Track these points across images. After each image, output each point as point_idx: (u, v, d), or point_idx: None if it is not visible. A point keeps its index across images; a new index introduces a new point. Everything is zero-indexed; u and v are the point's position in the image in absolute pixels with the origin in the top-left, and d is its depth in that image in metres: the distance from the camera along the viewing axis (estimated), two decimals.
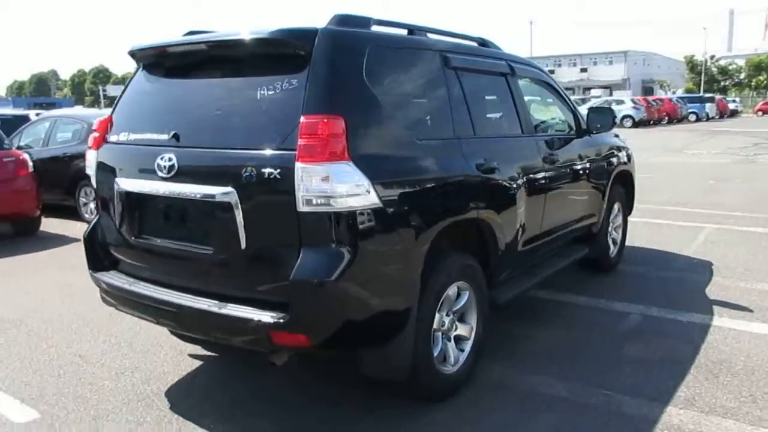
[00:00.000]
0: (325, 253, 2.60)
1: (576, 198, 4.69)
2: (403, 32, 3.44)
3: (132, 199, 3.14)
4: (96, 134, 3.38)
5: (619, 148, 5.54)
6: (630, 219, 6.11)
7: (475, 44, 4.07)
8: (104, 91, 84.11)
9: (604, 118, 4.86)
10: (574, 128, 4.86)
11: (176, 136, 2.94)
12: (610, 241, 5.57)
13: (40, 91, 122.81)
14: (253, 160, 2.67)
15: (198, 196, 2.84)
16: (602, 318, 4.49)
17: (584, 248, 5.03)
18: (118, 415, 3.23)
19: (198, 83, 3.15)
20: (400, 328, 2.89)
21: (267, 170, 2.63)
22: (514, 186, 3.71)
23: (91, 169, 3.39)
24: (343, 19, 2.97)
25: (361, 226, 2.62)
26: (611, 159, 5.25)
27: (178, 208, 2.99)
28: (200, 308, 2.82)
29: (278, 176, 2.59)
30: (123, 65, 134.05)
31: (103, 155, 3.31)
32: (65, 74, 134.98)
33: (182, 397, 3.43)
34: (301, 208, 2.56)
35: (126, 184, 3.15)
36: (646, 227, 7.44)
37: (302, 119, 2.56)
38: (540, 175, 4.06)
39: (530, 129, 4.11)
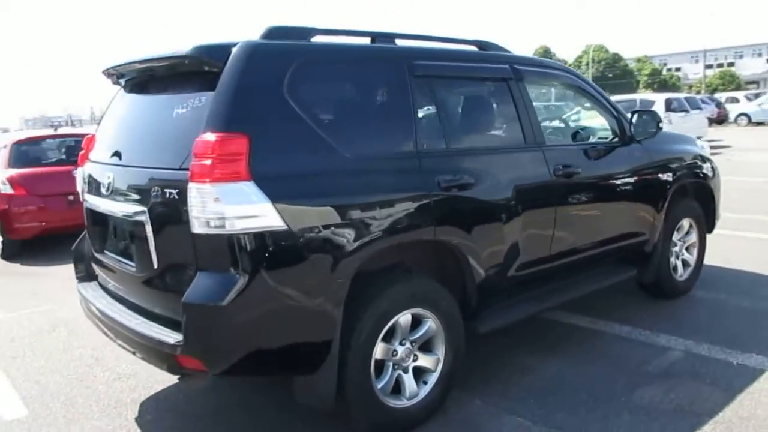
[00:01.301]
0: (218, 277, 2.51)
1: (610, 215, 4.14)
2: (366, 40, 3.25)
3: (92, 215, 3.28)
4: (83, 152, 3.58)
5: (687, 158, 4.81)
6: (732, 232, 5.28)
7: (473, 48, 3.75)
8: None
9: (647, 123, 4.24)
10: (619, 135, 4.30)
11: (118, 154, 3.03)
12: (678, 263, 4.87)
13: None
14: (160, 180, 2.66)
15: (121, 214, 2.90)
16: (635, 352, 3.92)
17: (630, 270, 4.43)
18: (88, 421, 3.38)
19: (138, 101, 3.22)
20: (318, 358, 2.71)
21: (169, 190, 2.60)
22: (501, 205, 3.35)
23: (78, 185, 3.60)
24: (274, 32, 2.87)
25: (258, 251, 2.49)
26: (670, 170, 4.56)
27: (115, 225, 3.07)
28: (128, 326, 2.86)
29: (177, 196, 2.56)
30: None
31: (85, 172, 3.50)
32: None
33: (154, 407, 3.51)
34: (195, 229, 2.49)
35: (90, 200, 3.30)
36: (750, 243, 6.43)
37: (197, 138, 2.50)
38: (548, 192, 3.63)
39: (538, 139, 3.68)
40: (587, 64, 70.43)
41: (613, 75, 76.14)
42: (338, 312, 2.70)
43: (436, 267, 3.32)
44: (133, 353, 2.90)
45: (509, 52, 3.89)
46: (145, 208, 2.71)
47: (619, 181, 4.16)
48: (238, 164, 2.47)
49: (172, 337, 2.60)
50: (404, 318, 3.02)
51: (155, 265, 2.74)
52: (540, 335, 4.29)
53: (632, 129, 4.24)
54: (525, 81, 3.75)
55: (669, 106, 16.20)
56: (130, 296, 3.07)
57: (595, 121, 4.67)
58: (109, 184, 2.98)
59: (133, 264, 2.91)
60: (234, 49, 2.67)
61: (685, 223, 4.87)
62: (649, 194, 4.39)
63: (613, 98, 17.13)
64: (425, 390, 3.16)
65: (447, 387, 3.24)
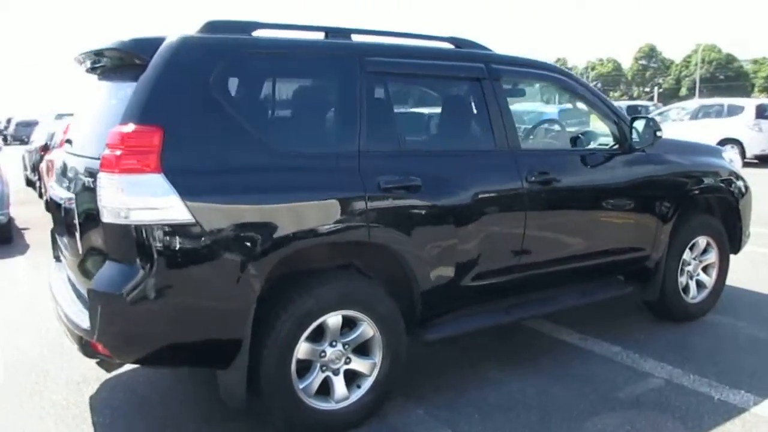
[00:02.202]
0: (121, 267, 2.55)
1: (599, 227, 3.86)
2: (320, 35, 3.19)
3: (51, 199, 3.44)
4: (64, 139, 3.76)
5: (706, 172, 4.42)
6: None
7: (448, 46, 3.59)
8: None
9: (643, 130, 3.91)
10: (619, 143, 4.01)
11: (70, 142, 3.15)
12: (690, 284, 4.48)
13: None
14: (85, 169, 2.76)
15: (61, 199, 3.01)
16: (612, 376, 3.65)
17: (624, 287, 4.13)
18: (51, 394, 3.54)
19: (96, 91, 3.31)
20: (229, 354, 2.71)
21: (89, 179, 2.68)
22: (453, 210, 3.20)
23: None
24: (211, 26, 2.87)
25: (161, 243, 2.51)
26: (681, 183, 4.20)
27: (61, 210, 3.19)
28: (62, 307, 2.97)
29: (92, 186, 2.63)
30: None
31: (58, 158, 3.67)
32: None
33: (113, 385, 3.63)
34: (104, 218, 2.55)
35: (51, 184, 3.46)
36: None
37: (111, 129, 2.55)
38: (516, 199, 3.44)
39: (512, 143, 3.48)
40: (696, 65, 66.46)
41: (725, 77, 71.46)
42: (248, 311, 2.68)
43: (386, 271, 3.23)
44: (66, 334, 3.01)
45: (489, 50, 3.70)
46: (73, 195, 2.81)
47: (611, 192, 3.88)
48: (148, 156, 2.50)
49: (87, 321, 2.68)
50: (333, 319, 2.95)
51: (80, 251, 2.83)
52: (521, 348, 4.10)
53: (630, 136, 3.94)
54: (502, 81, 3.57)
55: (762, 112, 14.94)
56: (72, 279, 3.19)
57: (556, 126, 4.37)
58: (60, 170, 3.11)
59: (69, 248, 3.03)
60: (163, 44, 2.70)
61: (701, 241, 4.47)
62: (651, 208, 4.06)
63: (699, 102, 16.12)
64: (357, 394, 3.09)
65: (383, 393, 3.15)
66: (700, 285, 4.56)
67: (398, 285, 3.21)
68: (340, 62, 3.06)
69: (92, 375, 3.75)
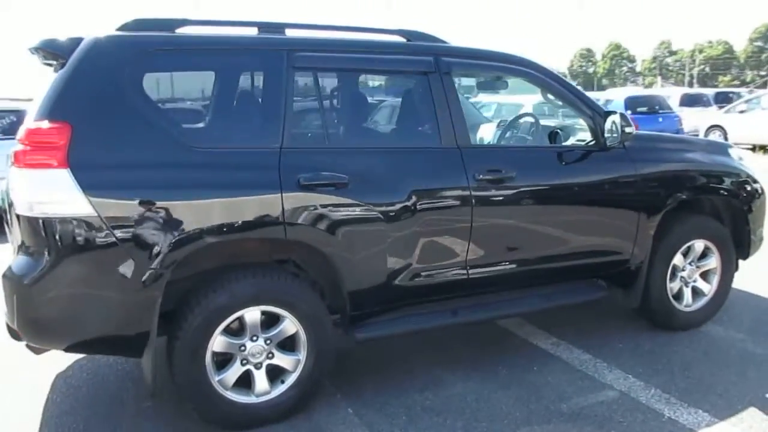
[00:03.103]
0: (30, 257, 2.69)
1: (562, 228, 3.64)
2: (253, 30, 3.20)
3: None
4: None
5: (706, 170, 4.07)
6: None
7: (400, 39, 3.49)
8: None
9: (611, 127, 3.63)
10: (596, 138, 3.77)
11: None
12: (685, 291, 4.16)
13: None
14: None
15: (1, 191, 3.19)
16: (566, 385, 3.47)
17: (597, 292, 3.89)
18: (19, 373, 3.78)
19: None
20: (139, 344, 2.80)
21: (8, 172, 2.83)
22: (384, 208, 3.13)
23: None
24: (132, 24, 2.95)
25: (64, 236, 2.62)
26: (669, 182, 3.89)
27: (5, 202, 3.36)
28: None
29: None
30: None
31: None
32: None
33: (59, 388, 3.61)
34: (17, 210, 2.69)
35: None
36: None
37: (25, 125, 2.69)
38: (459, 198, 3.31)
39: (460, 140, 3.35)
40: None
41: None
42: (153, 304, 2.75)
43: (315, 269, 3.22)
44: None
45: (444, 43, 3.57)
46: (5, 188, 2.99)
47: (579, 191, 3.66)
48: (55, 152, 2.61)
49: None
50: (251, 315, 2.98)
51: (10, 241, 3.01)
52: (485, 350, 3.97)
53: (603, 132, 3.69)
54: (453, 74, 3.44)
55: None
56: None
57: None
58: (5, 161, 3.30)
59: (11, 239, 3.22)
60: (82, 43, 2.80)
61: (698, 245, 4.13)
62: (629, 209, 3.79)
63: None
64: (280, 389, 3.11)
65: (308, 390, 3.16)
66: (697, 292, 4.23)
67: (328, 283, 3.20)
68: (265, 57, 3.06)
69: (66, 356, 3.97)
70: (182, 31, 3.04)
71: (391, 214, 3.16)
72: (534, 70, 3.73)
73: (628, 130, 3.61)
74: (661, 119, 12.96)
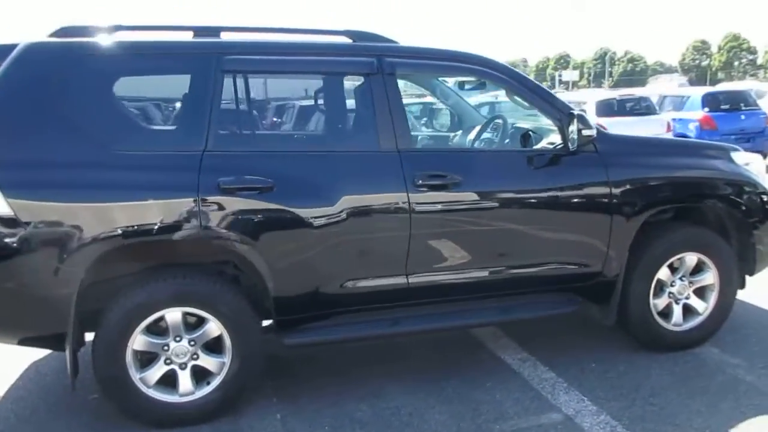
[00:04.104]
0: None
1: (519, 236, 3.42)
2: (189, 34, 3.22)
3: None
4: None
5: (697, 177, 3.69)
6: None
7: (346, 40, 3.41)
8: (559, 76, 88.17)
9: (571, 129, 3.35)
10: (564, 141, 3.51)
11: None
12: (675, 308, 3.79)
13: None
14: None
15: None
16: (512, 404, 3.26)
17: (566, 305, 3.62)
18: None
19: None
20: (60, 342, 2.91)
21: None
22: (312, 213, 3.06)
23: None
24: (61, 31, 3.06)
25: None
26: (649, 190, 3.55)
27: None
28: None
29: None
30: (582, 52, 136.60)
31: None
32: (533, 61, 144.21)
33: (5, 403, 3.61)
34: None
35: None
36: None
37: None
38: (396, 203, 3.19)
39: (401, 143, 3.22)
40: None
41: None
42: (68, 302, 2.83)
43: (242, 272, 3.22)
44: None
45: (392, 43, 3.44)
46: None
47: (535, 197, 3.42)
48: None
49: None
50: (172, 315, 3.02)
51: None
52: (446, 360, 3.82)
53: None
54: (398, 75, 3.32)
55: None
56: None
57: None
58: None
59: None
60: (17, 49, 2.94)
61: (690, 258, 3.75)
62: (599, 217, 3.50)
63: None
64: (204, 391, 3.13)
65: (233, 392, 3.16)
66: (689, 311, 3.85)
67: (260, 287, 3.18)
68: (193, 61, 3.09)
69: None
70: (116, 36, 3.13)
71: (319, 220, 3.09)
72: (493, 69, 3.52)
73: (585, 132, 3.33)
74: (743, 117, 11.90)
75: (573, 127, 3.34)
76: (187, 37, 3.25)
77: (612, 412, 3.15)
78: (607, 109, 11.34)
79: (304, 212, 3.07)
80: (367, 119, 3.27)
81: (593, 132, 3.33)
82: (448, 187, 3.26)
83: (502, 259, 3.44)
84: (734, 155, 3.88)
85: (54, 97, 2.88)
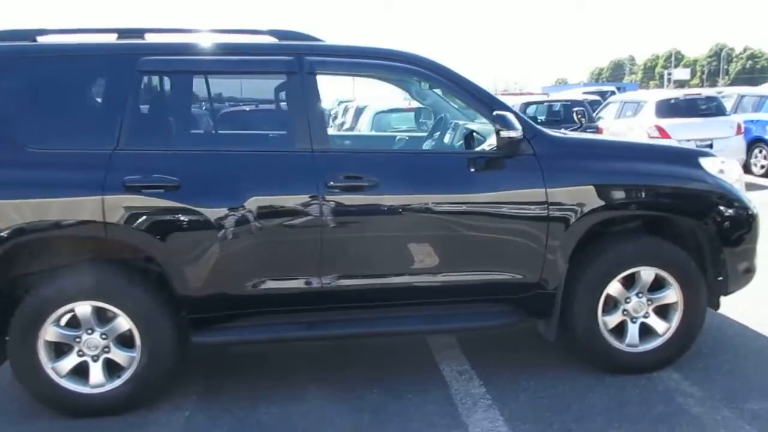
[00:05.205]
0: None
1: (439, 242, 3.25)
2: (113, 36, 3.31)
3: None
4: None
5: (655, 184, 3.36)
6: None
7: (271, 39, 3.37)
8: (669, 74, 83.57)
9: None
10: (497, 143, 3.30)
11: None
12: (630, 327, 3.47)
13: (615, 76, 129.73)
14: None
15: None
16: (416, 421, 3.10)
17: (501, 318, 3.40)
18: None
19: None
20: None
21: None
22: (219, 212, 3.06)
23: None
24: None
25: None
26: (591, 196, 3.27)
27: None
28: None
29: None
30: (695, 48, 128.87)
31: None
32: (641, 59, 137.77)
33: None
34: None
35: None
36: None
37: None
38: (307, 205, 3.13)
39: (317, 143, 3.15)
40: None
41: None
42: None
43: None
44: None
45: (318, 42, 3.37)
46: None
47: (460, 201, 3.23)
48: None
49: None
50: (81, 309, 3.11)
51: None
52: (382, 367, 3.72)
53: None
54: (319, 74, 3.25)
55: None
56: None
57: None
58: None
59: None
60: None
61: (646, 273, 3.42)
62: (532, 225, 3.27)
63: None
64: (115, 384, 3.21)
65: (144, 387, 3.21)
66: (647, 331, 3.51)
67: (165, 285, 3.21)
68: (111, 63, 3.16)
69: None
70: (41, 40, 3.26)
71: (226, 220, 3.09)
72: (423, 68, 3.37)
73: (504, 134, 3.11)
74: None
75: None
76: (111, 39, 3.33)
77: None
78: (668, 109, 10.57)
79: (210, 212, 3.08)
80: (283, 119, 3.23)
81: (515, 134, 3.11)
82: (362, 189, 3.16)
83: (423, 266, 3.29)
84: (704, 161, 3.50)
85: None
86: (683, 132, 10.07)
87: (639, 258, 3.41)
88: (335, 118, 14.43)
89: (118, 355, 3.20)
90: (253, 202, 3.09)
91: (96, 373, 3.19)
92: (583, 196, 3.28)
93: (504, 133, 3.10)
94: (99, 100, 3.19)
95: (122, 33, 3.31)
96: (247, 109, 3.52)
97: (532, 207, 3.26)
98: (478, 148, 3.52)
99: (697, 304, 3.48)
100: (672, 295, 3.46)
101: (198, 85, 3.44)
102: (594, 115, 12.55)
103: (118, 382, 3.21)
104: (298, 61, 3.23)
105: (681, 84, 71.83)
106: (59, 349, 3.20)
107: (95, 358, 3.19)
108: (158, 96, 3.23)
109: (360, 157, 3.40)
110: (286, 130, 3.19)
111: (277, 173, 3.18)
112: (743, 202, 3.47)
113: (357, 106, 12.55)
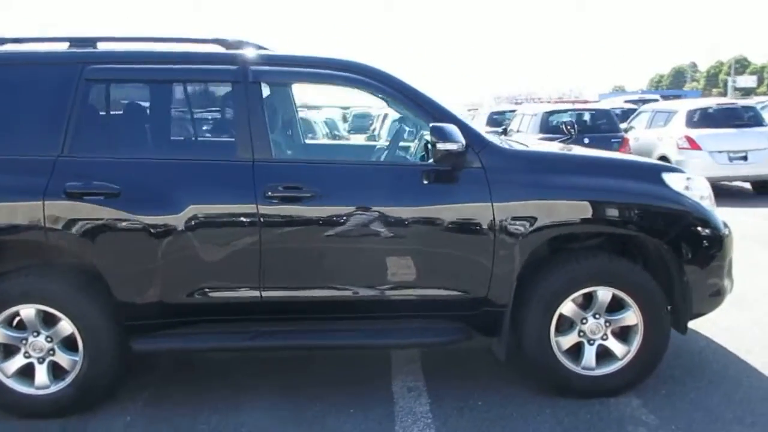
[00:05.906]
0: None
1: (380, 255, 3.20)
2: (65, 45, 3.37)
3: None
4: None
5: (612, 200, 3.22)
6: None
7: (219, 48, 3.37)
8: (733, 81, 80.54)
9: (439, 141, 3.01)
10: (433, 156, 3.20)
11: None
12: (587, 349, 3.32)
13: (676, 83, 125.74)
14: None
15: None
16: None
17: (447, 335, 3.29)
18: None
19: None
20: None
21: None
22: (157, 220, 3.08)
23: None
24: None
25: None
26: (536, 214, 3.14)
27: None
28: None
29: None
30: (763, 55, 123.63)
31: None
32: (704, 65, 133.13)
33: None
34: None
35: None
36: None
37: None
38: (244, 215, 3.11)
39: (258, 153, 3.14)
40: None
41: None
42: None
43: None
44: None
45: (267, 51, 3.35)
46: None
47: (403, 215, 3.15)
48: None
49: None
50: (26, 312, 3.18)
51: None
52: (333, 381, 3.64)
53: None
54: (263, 83, 3.24)
55: None
56: None
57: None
58: None
59: None
60: None
61: (603, 293, 3.25)
62: (477, 240, 3.16)
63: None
64: (59, 386, 3.25)
65: (87, 390, 3.24)
66: (605, 354, 3.34)
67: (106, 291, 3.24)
68: (58, 71, 3.22)
69: None
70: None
71: (163, 228, 3.10)
72: (369, 77, 3.30)
73: (441, 146, 3.01)
74: None
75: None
76: (63, 47, 3.40)
77: None
78: (700, 119, 10.12)
79: (148, 219, 3.10)
80: (226, 128, 3.23)
81: (454, 147, 3.01)
82: (301, 201, 3.12)
83: (364, 280, 3.22)
84: (667, 177, 3.31)
85: None
86: (715, 143, 9.64)
87: (593, 277, 3.25)
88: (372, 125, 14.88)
89: (63, 359, 3.24)
90: (192, 211, 3.09)
91: (41, 374, 3.25)
92: (533, 211, 3.15)
93: (440, 146, 3.01)
94: (47, 107, 3.25)
95: (74, 42, 3.38)
96: (194, 117, 3.54)
97: (477, 221, 3.15)
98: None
99: (659, 326, 3.29)
100: (631, 316, 3.29)
101: (146, 92, 3.48)
102: (626, 124, 12.18)
103: (62, 385, 3.25)
104: (243, 70, 3.22)
105: (746, 92, 68.96)
106: (8, 350, 3.27)
107: (41, 360, 3.25)
108: (105, 104, 3.28)
109: (300, 168, 3.36)
110: (229, 140, 3.18)
111: (218, 182, 3.18)
112: (709, 221, 3.26)
113: (384, 113, 12.71)
